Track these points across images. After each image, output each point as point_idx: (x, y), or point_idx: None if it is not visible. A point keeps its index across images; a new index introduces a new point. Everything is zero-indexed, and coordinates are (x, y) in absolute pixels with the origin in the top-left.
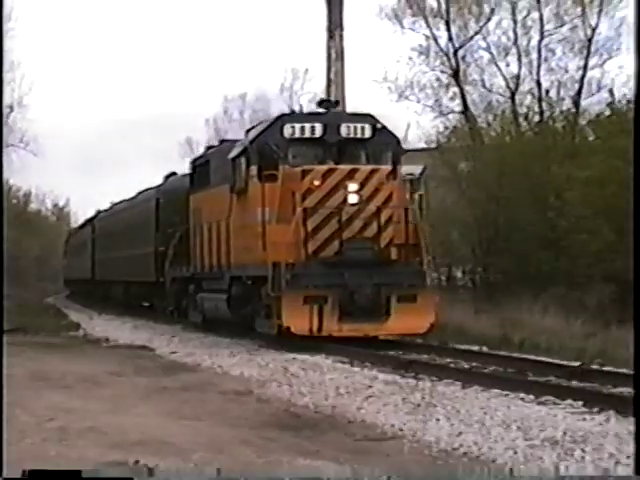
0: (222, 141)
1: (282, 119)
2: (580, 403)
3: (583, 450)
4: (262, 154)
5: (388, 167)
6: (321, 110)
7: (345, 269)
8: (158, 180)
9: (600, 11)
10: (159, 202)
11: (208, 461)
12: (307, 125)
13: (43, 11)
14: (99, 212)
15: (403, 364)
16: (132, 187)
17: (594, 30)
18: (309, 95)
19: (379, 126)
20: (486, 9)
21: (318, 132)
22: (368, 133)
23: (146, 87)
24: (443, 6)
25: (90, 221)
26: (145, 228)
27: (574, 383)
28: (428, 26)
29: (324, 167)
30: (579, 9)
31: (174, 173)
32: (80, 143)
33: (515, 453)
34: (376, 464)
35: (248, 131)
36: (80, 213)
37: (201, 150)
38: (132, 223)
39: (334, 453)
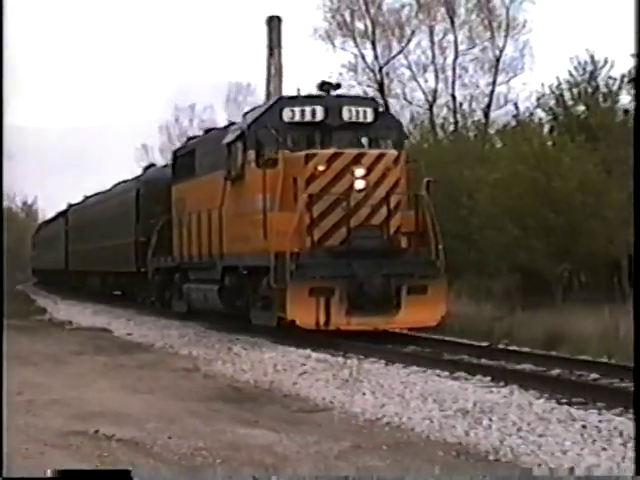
0: (208, 130)
1: (281, 102)
2: (488, 378)
3: (490, 419)
4: (260, 139)
5: (395, 152)
6: (321, 93)
7: (353, 259)
8: (115, 180)
9: (506, 35)
10: (139, 193)
11: (161, 429)
12: (307, 108)
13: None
14: (71, 205)
15: (333, 344)
16: (92, 187)
17: (501, 51)
18: (252, 105)
19: (381, 110)
20: (407, 31)
21: (319, 116)
22: (370, 117)
23: (105, 98)
24: (369, 28)
25: (62, 214)
26: (125, 219)
27: (483, 361)
28: (356, 46)
29: (329, 151)
30: (488, 33)
31: (153, 164)
32: (45, 148)
33: (431, 422)
34: (308, 433)
35: (245, 115)
36: (47, 210)
37: (156, 155)
38: (110, 214)
39: (272, 423)
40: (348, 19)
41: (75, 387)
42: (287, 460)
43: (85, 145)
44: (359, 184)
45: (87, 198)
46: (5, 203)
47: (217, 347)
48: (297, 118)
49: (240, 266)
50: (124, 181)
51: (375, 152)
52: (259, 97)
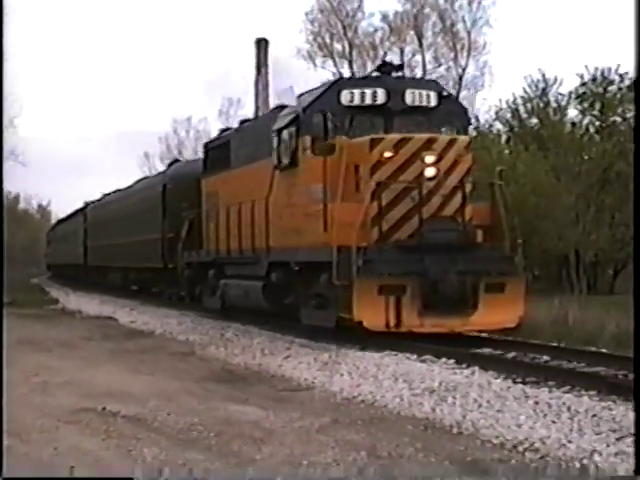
0: (243, 122)
1: (339, 84)
2: (452, 361)
3: (454, 397)
4: (317, 123)
5: (466, 137)
6: (382, 75)
7: (425, 254)
8: (122, 185)
9: (468, 56)
10: (166, 188)
11: (161, 407)
12: (368, 91)
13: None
14: (89, 203)
15: (314, 334)
16: (97, 190)
17: (464, 70)
18: (241, 118)
19: (445, 94)
20: (380, 52)
21: (381, 99)
22: (434, 101)
23: (111, 110)
24: (347, 49)
25: (80, 211)
26: (150, 214)
27: (448, 346)
28: (335, 65)
29: (396, 136)
30: (452, 54)
31: (177, 160)
32: (59, 156)
33: (401, 400)
34: (292, 409)
35: (299, 98)
36: (59, 212)
37: (157, 162)
38: (134, 210)
39: (260, 401)
40: (328, 41)
41: (85, 369)
42: (273, 434)
43: (93, 153)
44: (430, 171)
45: (105, 196)
46: (22, 205)
47: (211, 333)
48: (356, 101)
49: (291, 261)
50: (146, 177)
51: (446, 137)
52: (249, 110)
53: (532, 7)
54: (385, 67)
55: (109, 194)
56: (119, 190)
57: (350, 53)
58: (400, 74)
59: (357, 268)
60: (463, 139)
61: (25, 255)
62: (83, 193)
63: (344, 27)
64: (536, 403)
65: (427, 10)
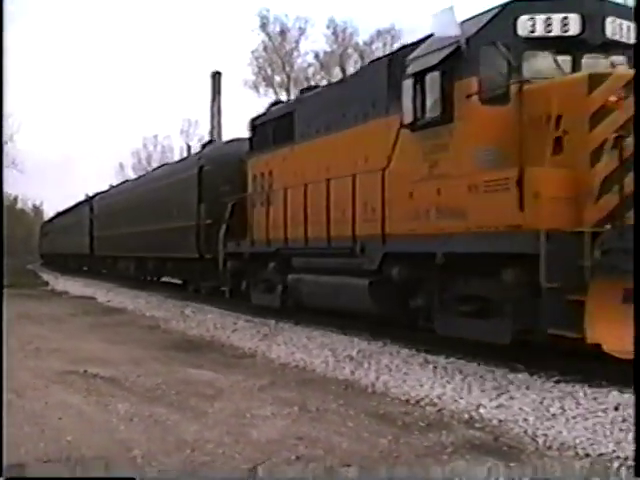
0: (303, 90)
1: (513, 7)
2: (368, 333)
3: (369, 363)
4: (488, 60)
5: None
6: None
7: None
8: (100, 189)
9: None
10: (202, 170)
11: (131, 370)
12: (555, 17)
13: None
14: (96, 194)
15: (256, 311)
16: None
17: None
18: (199, 136)
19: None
20: (312, 83)
21: (573, 28)
22: (633, 36)
23: (92, 128)
24: (285, 81)
25: (84, 203)
26: (182, 200)
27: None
28: (275, 93)
29: (625, 72)
30: None
31: (212, 140)
32: (48, 165)
33: (327, 365)
34: (238, 373)
35: (463, 24)
36: (49, 211)
37: (130, 172)
38: (159, 197)
39: (213, 366)
40: (269, 74)
41: (70, 339)
42: (223, 392)
43: (76, 164)
44: None
45: (113, 187)
46: (19, 205)
47: (173, 310)
48: (539, 31)
49: (438, 253)
50: (165, 164)
51: None
52: (205, 130)
53: None
54: None
55: (120, 184)
56: (139, 177)
57: (288, 84)
58: None
59: (593, 264)
60: None
61: (22, 246)
62: (68, 196)
63: (283, 63)
64: (435, 367)
65: (350, 50)
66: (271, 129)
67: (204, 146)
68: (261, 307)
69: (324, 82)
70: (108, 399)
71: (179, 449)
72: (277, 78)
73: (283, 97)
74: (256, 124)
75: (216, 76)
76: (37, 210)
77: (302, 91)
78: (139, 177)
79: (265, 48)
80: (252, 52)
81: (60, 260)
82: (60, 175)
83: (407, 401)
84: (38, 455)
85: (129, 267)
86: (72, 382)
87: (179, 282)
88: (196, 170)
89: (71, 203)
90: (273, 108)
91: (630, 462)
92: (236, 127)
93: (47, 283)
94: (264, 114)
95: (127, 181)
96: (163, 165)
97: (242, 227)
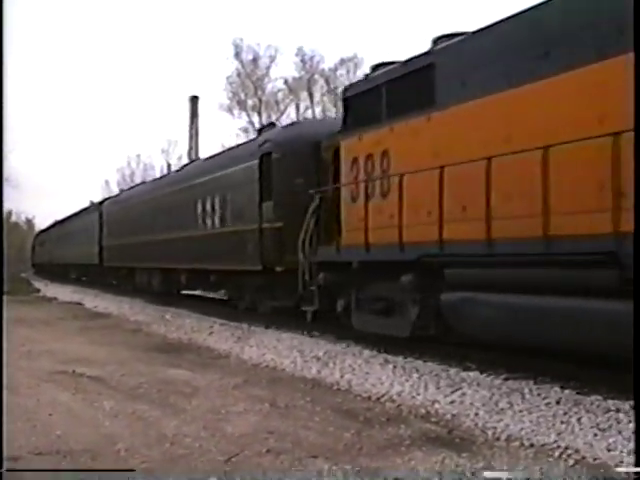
0: (441, 38)
1: None
2: (334, 336)
3: (334, 363)
4: None
5: None
6: None
7: None
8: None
9: None
10: (271, 159)
11: (116, 370)
12: None
13: None
14: (106, 199)
15: (230, 315)
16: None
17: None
18: (178, 154)
19: None
20: (282, 107)
21: None
22: None
23: (79, 147)
24: (257, 104)
25: (91, 208)
26: (235, 198)
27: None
28: (248, 116)
29: None
30: (334, 109)
31: (272, 123)
32: (37, 182)
33: (295, 365)
34: (214, 372)
35: None
36: (41, 224)
37: (114, 188)
38: (199, 196)
39: (190, 366)
40: (243, 98)
41: (59, 341)
42: (200, 390)
43: (65, 180)
44: None
45: (123, 191)
46: (14, 218)
47: (154, 315)
48: None
49: None
50: (193, 161)
51: None
52: (184, 149)
53: None
54: None
55: (135, 186)
56: (162, 176)
57: (259, 107)
58: None
59: None
60: None
61: (17, 256)
62: (58, 209)
63: (255, 88)
64: (394, 367)
65: (316, 76)
66: (382, 97)
67: (260, 131)
68: (229, 314)
69: (292, 105)
70: (95, 397)
71: (159, 443)
72: (249, 102)
73: (256, 119)
74: (353, 95)
75: (194, 100)
76: (30, 223)
77: (437, 40)
78: (162, 176)
79: (239, 74)
80: (227, 78)
81: (59, 271)
82: (50, 191)
83: (369, 398)
84: (30, 448)
85: (151, 280)
86: (61, 381)
87: (222, 298)
88: (257, 160)
89: (58, 217)
90: (379, 71)
91: (570, 451)
92: (213, 147)
93: (39, 290)
94: (365, 80)
95: (143, 183)
96: (193, 161)
97: (331, 229)
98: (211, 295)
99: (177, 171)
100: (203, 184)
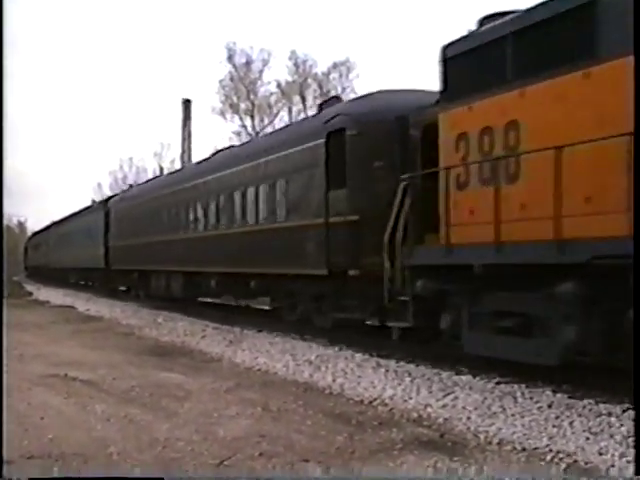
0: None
1: None
2: (326, 339)
3: (326, 366)
4: None
5: None
6: None
7: None
8: (79, 205)
9: None
10: (344, 137)
11: (108, 374)
12: None
13: None
14: (112, 196)
15: (223, 318)
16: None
17: None
18: (171, 157)
19: None
20: (274, 110)
21: None
22: None
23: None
24: (250, 108)
25: (95, 207)
26: (292, 187)
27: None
28: (241, 119)
29: None
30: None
31: (337, 97)
32: (32, 186)
33: (288, 369)
34: (206, 376)
35: None
36: (32, 227)
37: (107, 190)
38: (239, 186)
39: (183, 369)
40: (235, 101)
41: (51, 345)
42: (192, 394)
43: (57, 183)
44: None
45: (132, 187)
46: (5, 222)
47: (146, 318)
48: None
49: None
50: (269, 134)
51: None
52: (176, 153)
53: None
54: None
55: (149, 181)
56: (182, 168)
57: (252, 111)
58: None
59: None
60: None
61: (9, 259)
62: (50, 212)
63: (248, 91)
64: (386, 371)
65: (309, 80)
66: (507, 53)
67: (321, 107)
68: (222, 316)
69: (285, 109)
70: (86, 400)
71: (152, 446)
72: (242, 105)
73: (248, 122)
74: (459, 53)
75: (187, 103)
76: (22, 226)
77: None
78: (182, 168)
79: (231, 78)
80: (220, 81)
81: (57, 275)
82: (42, 194)
83: (361, 401)
84: (22, 452)
85: (171, 285)
86: (53, 384)
87: (266, 308)
88: (322, 139)
89: (50, 220)
90: (493, 23)
91: (562, 455)
92: (205, 150)
93: (31, 293)
94: (471, 35)
95: (159, 176)
96: (230, 147)
97: (427, 224)
98: (242, 303)
99: (200, 162)
100: (242, 172)
